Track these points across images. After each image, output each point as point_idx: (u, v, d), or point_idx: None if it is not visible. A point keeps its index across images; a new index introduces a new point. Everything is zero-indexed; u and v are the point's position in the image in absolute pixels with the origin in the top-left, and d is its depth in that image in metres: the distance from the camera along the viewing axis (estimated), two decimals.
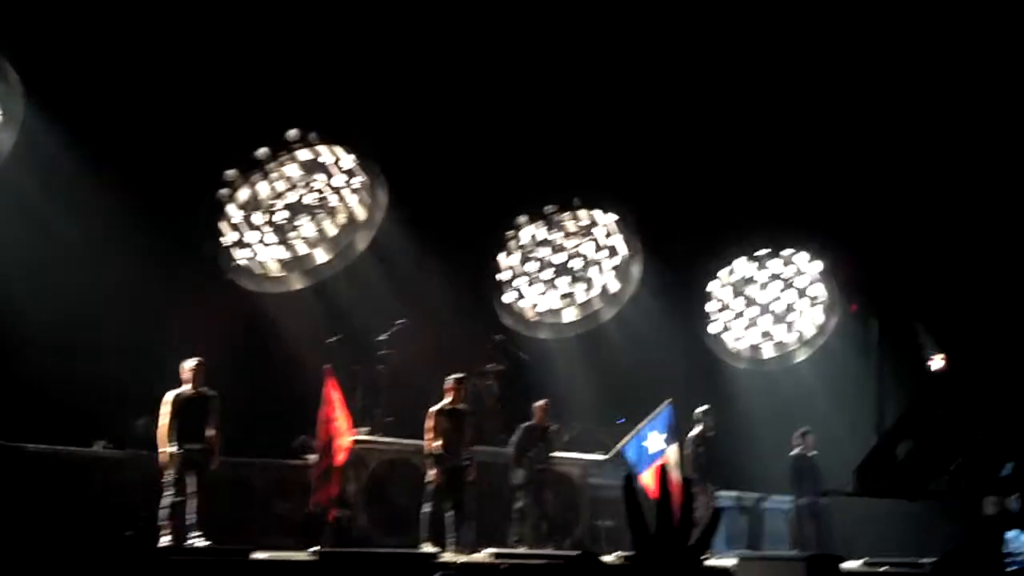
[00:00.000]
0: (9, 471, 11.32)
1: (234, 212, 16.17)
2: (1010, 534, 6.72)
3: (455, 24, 15.82)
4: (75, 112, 13.76)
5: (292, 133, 16.27)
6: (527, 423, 13.83)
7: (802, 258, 18.87)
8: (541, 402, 13.95)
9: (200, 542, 11.37)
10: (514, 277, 18.13)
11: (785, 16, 15.95)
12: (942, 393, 9.77)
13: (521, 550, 13.05)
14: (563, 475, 14.59)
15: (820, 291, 18.86)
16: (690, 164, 17.15)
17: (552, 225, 18.29)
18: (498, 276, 17.96)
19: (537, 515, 13.61)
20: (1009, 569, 6.36)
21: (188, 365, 11.87)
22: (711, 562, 12.99)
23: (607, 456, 15.48)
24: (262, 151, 16.18)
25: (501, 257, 18.01)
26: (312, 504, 12.68)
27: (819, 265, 18.73)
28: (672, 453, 14.83)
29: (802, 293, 18.95)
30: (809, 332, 18.90)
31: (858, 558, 13.81)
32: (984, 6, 15.07)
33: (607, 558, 12.67)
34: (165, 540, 11.24)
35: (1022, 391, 9.17)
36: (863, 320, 15.76)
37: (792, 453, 15.59)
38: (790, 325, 18.96)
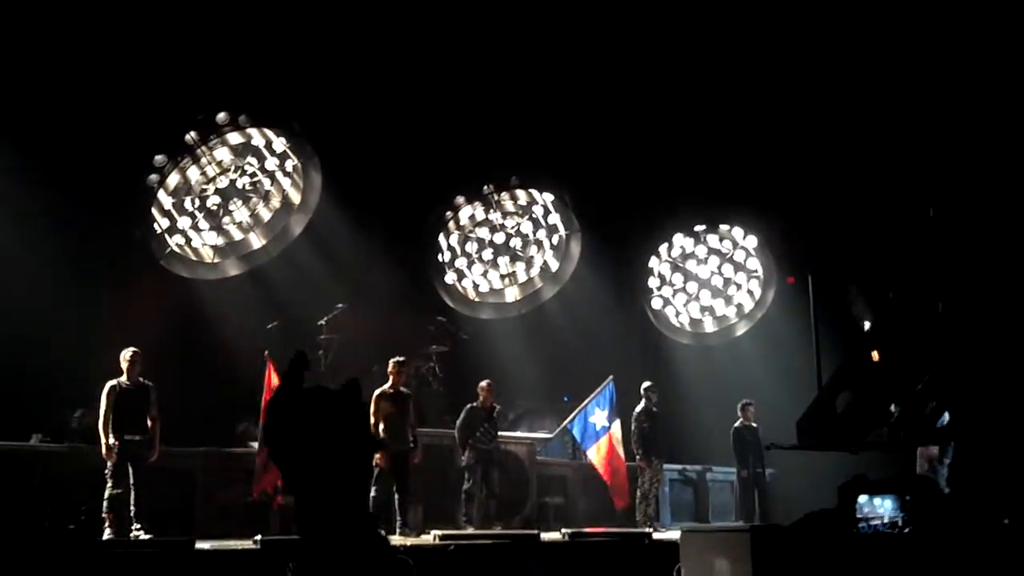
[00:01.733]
0: None
1: (165, 198, 15.86)
2: (862, 499, 6.77)
3: (387, 3, 15.63)
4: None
5: (222, 116, 16.00)
6: (471, 404, 13.74)
7: (738, 232, 19.00)
8: (485, 383, 13.86)
9: (143, 534, 11.14)
10: (454, 258, 18.04)
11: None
12: (878, 345, 9.85)
13: (468, 531, 12.98)
14: (510, 454, 14.52)
15: (757, 265, 19.01)
16: (625, 141, 17.18)
17: (490, 205, 18.22)
18: (438, 257, 17.85)
19: (484, 495, 13.54)
20: (859, 530, 6.45)
21: (125, 355, 11.60)
22: (657, 536, 13.04)
23: (553, 434, 15.49)
24: (191, 135, 15.88)
25: (440, 238, 17.89)
26: (256, 492, 12.48)
27: (754, 239, 18.86)
28: (616, 429, 14.91)
29: (739, 267, 19.09)
30: (748, 305, 19.05)
31: None
32: None
33: (551, 535, 12.68)
34: (107, 533, 10.98)
35: (959, 341, 9.29)
36: (801, 288, 15.92)
37: (735, 425, 15.70)
38: (729, 299, 19.09)
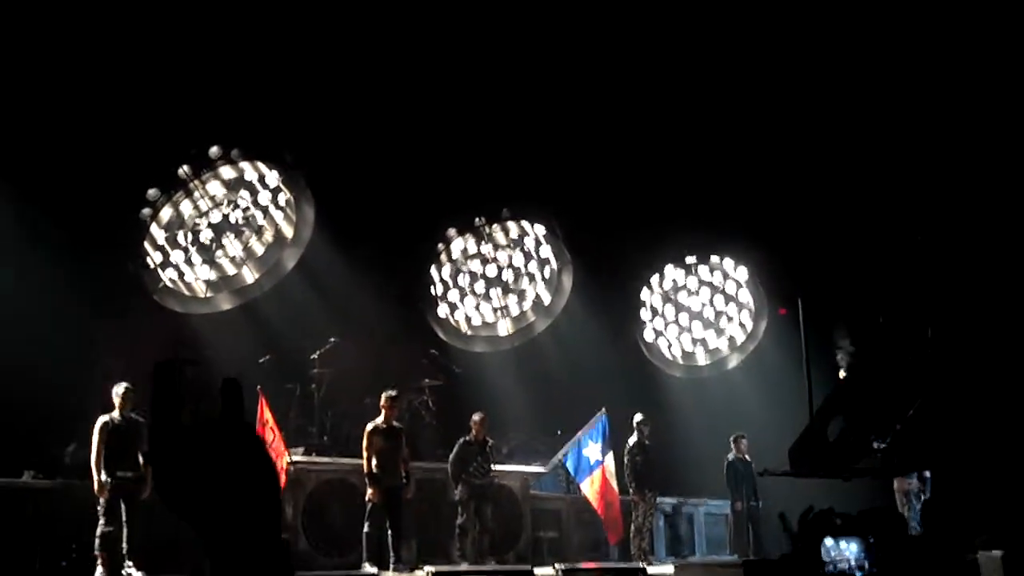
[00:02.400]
0: None
1: (158, 232, 15.86)
2: (828, 542, 6.76)
3: (377, 39, 15.71)
4: None
5: (214, 150, 16.03)
6: (464, 438, 13.70)
7: (729, 264, 19.06)
8: (477, 416, 13.83)
9: (135, 572, 11.07)
10: (446, 291, 18.04)
11: (701, 27, 16.11)
12: (870, 374, 9.89)
13: (462, 567, 12.93)
14: (503, 488, 14.47)
15: (748, 296, 19.06)
16: (616, 174, 17.24)
17: (482, 237, 18.24)
18: (430, 290, 17.85)
19: (478, 530, 13.49)
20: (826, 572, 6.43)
21: (117, 391, 11.57)
22: (651, 570, 13.01)
23: (547, 467, 15.45)
24: (184, 169, 15.89)
25: (432, 271, 17.91)
26: None
27: (745, 271, 18.92)
28: (610, 462, 14.89)
29: (730, 299, 19.14)
30: (740, 337, 19.08)
31: None
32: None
33: (545, 570, 12.64)
34: (100, 571, 10.92)
35: (948, 367, 9.33)
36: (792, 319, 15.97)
37: (728, 458, 15.70)
38: (721, 331, 19.12)
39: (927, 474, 14.70)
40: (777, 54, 15.98)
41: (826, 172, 16.40)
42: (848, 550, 6.73)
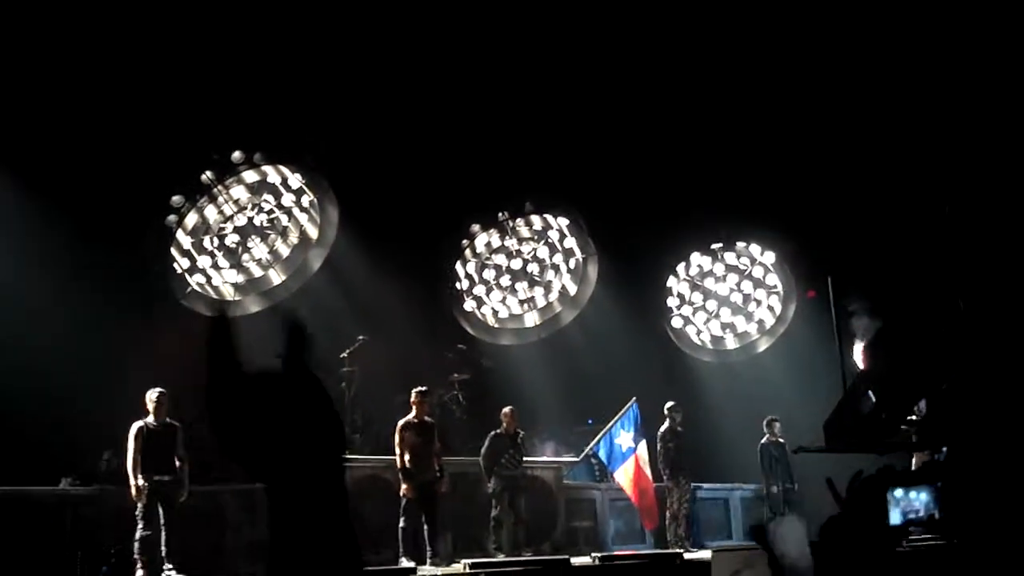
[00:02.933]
0: None
1: (184, 238, 15.97)
2: (898, 492, 6.65)
3: (397, 38, 15.73)
4: (16, 148, 13.47)
5: (237, 155, 16.09)
6: (494, 431, 13.72)
7: (756, 248, 18.98)
8: (508, 409, 13.84)
9: (174, 574, 11.16)
10: (472, 285, 18.07)
11: (724, 12, 16.04)
12: (902, 347, 9.81)
13: (499, 558, 12.95)
14: (536, 479, 14.50)
15: (776, 280, 18.98)
16: (638, 162, 17.19)
17: (506, 231, 18.26)
18: (456, 285, 17.88)
19: (512, 522, 13.50)
20: (892, 522, 6.34)
21: (151, 396, 11.66)
22: (688, 556, 13.00)
23: (579, 457, 15.45)
24: (207, 175, 15.98)
25: (457, 266, 17.94)
26: None
27: (772, 255, 18.84)
28: (643, 450, 14.88)
29: (759, 283, 19.07)
30: (769, 321, 19.00)
31: None
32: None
33: (581, 559, 12.65)
34: (139, 575, 11.02)
35: (980, 339, 9.23)
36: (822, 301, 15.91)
37: (761, 442, 15.64)
38: (750, 315, 19.06)
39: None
40: (796, 37, 15.89)
41: (850, 150, 16.29)
42: (918, 500, 6.67)
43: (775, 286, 19.02)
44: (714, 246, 19.00)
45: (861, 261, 14.94)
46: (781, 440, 15.62)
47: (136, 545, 11.14)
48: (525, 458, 14.01)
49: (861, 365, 12.50)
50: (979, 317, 9.37)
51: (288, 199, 16.48)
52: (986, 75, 14.48)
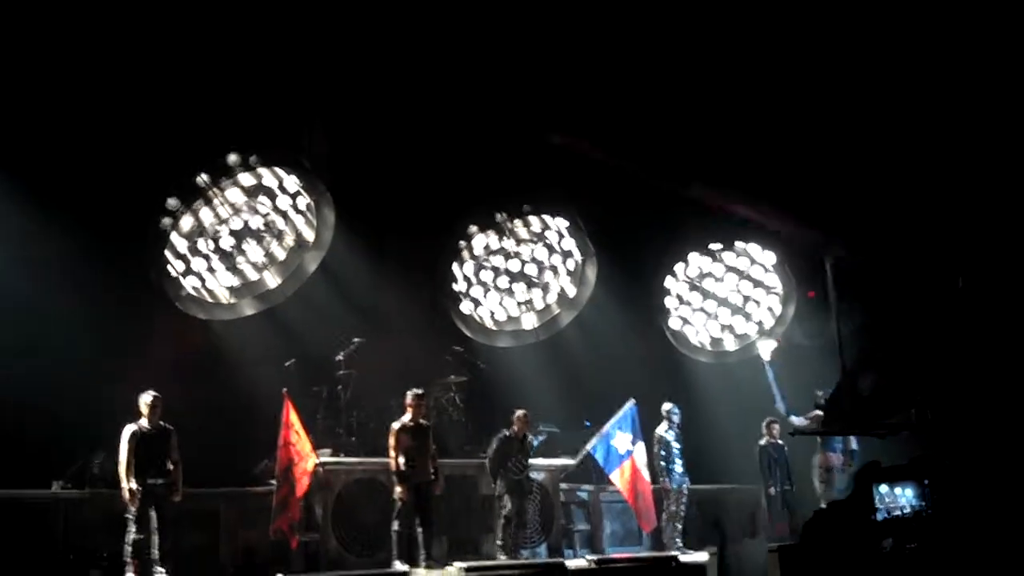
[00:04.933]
0: None
1: (179, 241, 15.91)
2: (883, 488, 6.62)
3: (393, 38, 15.68)
4: (9, 148, 13.45)
5: (232, 158, 16.04)
6: (504, 433, 13.68)
7: (755, 249, 18.89)
8: (520, 412, 13.82)
9: None
10: (469, 287, 18.01)
11: (728, 9, 15.95)
12: (898, 329, 9.74)
13: (494, 561, 12.92)
14: (533, 481, 14.43)
15: (776, 281, 18.89)
16: (636, 164, 17.11)
17: (504, 232, 18.19)
18: (453, 287, 17.83)
19: (516, 524, 13.48)
20: (878, 519, 6.28)
21: (145, 400, 11.65)
22: (684, 558, 12.93)
23: (576, 460, 15.38)
24: (202, 178, 15.92)
25: (455, 267, 17.89)
26: (272, 531, 12.42)
27: (772, 255, 18.75)
28: (640, 452, 14.81)
29: (758, 284, 18.98)
30: (769, 322, 18.91)
31: None
32: None
33: (578, 562, 12.59)
34: None
35: (978, 323, 9.15)
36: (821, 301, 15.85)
37: (760, 443, 15.58)
38: (749, 316, 18.97)
39: (853, 446, 14.61)
40: (802, 44, 15.78)
41: (852, 145, 16.15)
42: (903, 496, 6.63)
43: (774, 287, 18.92)
44: (713, 246, 18.91)
45: (862, 249, 14.81)
46: (780, 442, 15.57)
47: (127, 548, 11.13)
48: (531, 462, 13.98)
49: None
50: (978, 300, 9.30)
51: (284, 202, 16.39)
52: (988, 69, 14.36)
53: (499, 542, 13.45)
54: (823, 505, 13.47)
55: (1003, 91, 13.58)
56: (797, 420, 14.77)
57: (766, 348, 15.53)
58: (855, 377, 10.33)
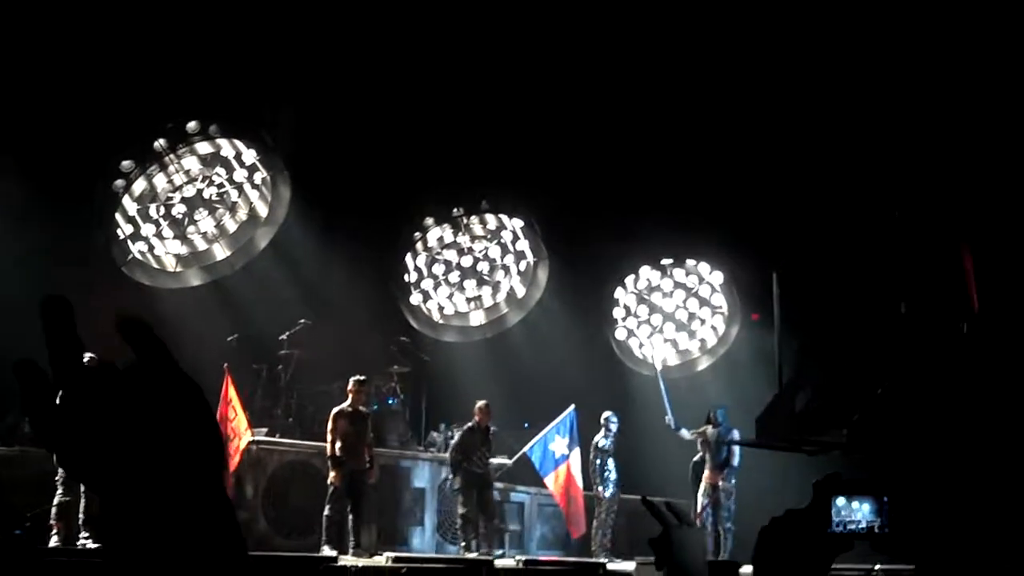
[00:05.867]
0: None
1: (130, 204, 15.67)
2: (840, 501, 6.60)
3: (362, 21, 15.58)
4: None
5: (192, 125, 15.85)
6: (468, 425, 13.56)
7: (704, 268, 19.03)
8: (482, 403, 13.70)
9: (91, 543, 10.90)
10: (420, 279, 17.93)
11: (680, 28, 16.03)
12: (837, 350, 9.83)
13: (464, 552, 12.79)
14: None
15: (722, 300, 19.04)
16: (596, 171, 17.16)
17: (459, 228, 18.15)
18: (404, 277, 17.73)
19: (483, 519, 13.31)
20: (834, 531, 6.32)
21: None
22: (612, 566, 12.95)
23: (512, 460, 15.35)
24: (160, 143, 15.71)
25: (408, 258, 17.79)
26: None
27: (720, 275, 18.89)
28: (575, 458, 14.81)
29: (704, 302, 19.11)
30: (711, 341, 19.05)
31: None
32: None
33: (506, 561, 12.55)
34: (54, 540, 10.76)
35: (919, 345, 9.25)
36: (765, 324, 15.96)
37: (694, 459, 15.64)
38: (693, 333, 19.09)
39: (734, 463, 14.53)
40: (752, 52, 15.90)
41: (806, 163, 16.27)
42: (860, 510, 6.62)
43: (720, 306, 19.06)
44: (664, 261, 19.01)
45: (808, 261, 14.93)
46: None
47: (54, 510, 10.89)
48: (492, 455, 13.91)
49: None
50: (919, 322, 9.41)
51: (240, 174, 16.23)
52: (932, 82, 14.51)
53: (462, 543, 13.29)
54: (707, 527, 13.56)
55: (952, 113, 13.80)
56: (686, 434, 14.83)
57: (658, 356, 15.40)
58: (791, 393, 10.39)
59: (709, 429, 14.53)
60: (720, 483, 14.30)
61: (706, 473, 14.56)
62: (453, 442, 13.47)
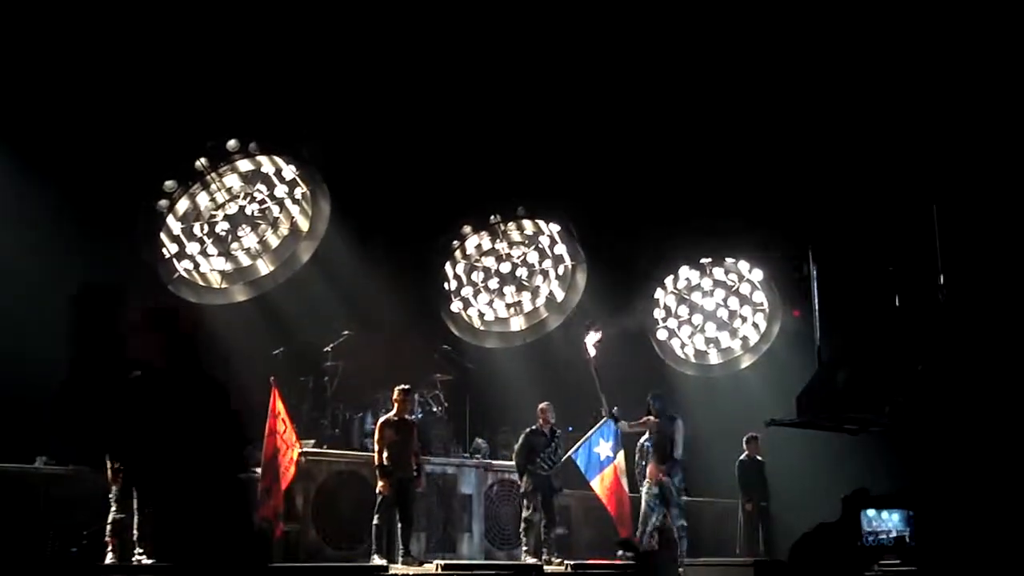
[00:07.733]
0: None
1: (174, 223, 15.94)
2: (870, 513, 6.68)
3: (397, 35, 15.73)
4: (10, 125, 13.42)
5: (232, 143, 16.11)
6: (530, 428, 13.57)
7: (744, 266, 19.02)
8: (544, 404, 13.66)
9: (145, 559, 11.11)
10: (460, 286, 18.08)
11: (721, 25, 16.03)
12: (880, 326, 9.79)
13: (534, 560, 12.86)
14: (513, 483, 14.48)
15: (762, 298, 19.02)
16: (633, 173, 17.20)
17: (497, 235, 18.27)
18: (444, 285, 17.89)
19: (543, 524, 13.25)
20: (865, 544, 6.36)
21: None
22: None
23: (558, 463, 15.42)
24: (201, 162, 15.98)
25: (447, 267, 17.94)
26: (258, 519, 12.43)
27: (760, 273, 18.88)
28: (621, 459, 14.85)
29: (745, 300, 19.10)
30: (753, 338, 19.03)
31: None
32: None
33: (555, 568, 12.63)
34: (110, 557, 10.98)
35: (958, 328, 9.23)
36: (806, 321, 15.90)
37: (740, 458, 15.66)
38: (734, 331, 19.09)
39: (677, 455, 13.96)
40: (780, 50, 15.87)
41: (844, 156, 16.20)
42: (889, 521, 6.66)
43: (761, 304, 19.05)
44: (703, 260, 19.03)
45: (846, 242, 14.83)
46: (759, 458, 15.65)
47: (108, 527, 11.10)
48: (502, 462, 13.96)
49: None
50: (958, 306, 9.37)
51: (281, 190, 16.48)
52: (966, 74, 14.41)
53: (524, 547, 13.32)
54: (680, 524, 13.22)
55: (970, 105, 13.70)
56: (625, 425, 14.32)
57: (590, 341, 14.58)
58: (830, 371, 10.31)
59: (651, 420, 13.91)
60: (663, 478, 13.53)
61: (649, 468, 13.74)
62: (516, 446, 13.48)
